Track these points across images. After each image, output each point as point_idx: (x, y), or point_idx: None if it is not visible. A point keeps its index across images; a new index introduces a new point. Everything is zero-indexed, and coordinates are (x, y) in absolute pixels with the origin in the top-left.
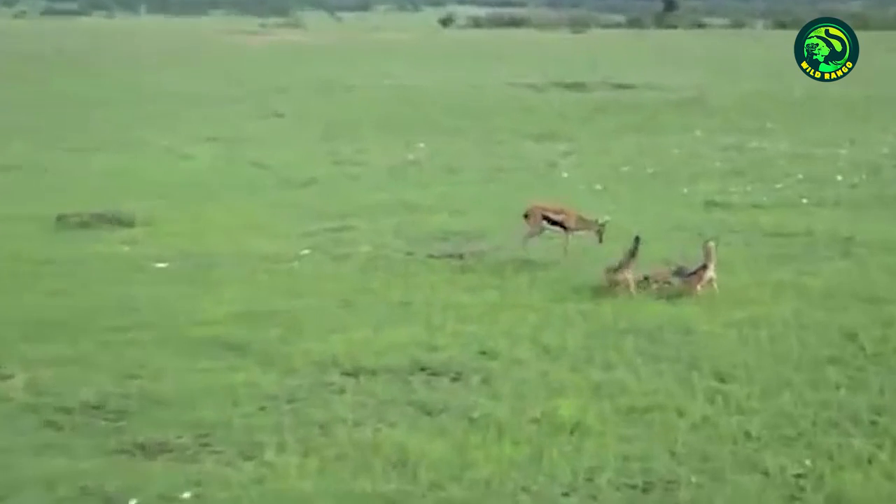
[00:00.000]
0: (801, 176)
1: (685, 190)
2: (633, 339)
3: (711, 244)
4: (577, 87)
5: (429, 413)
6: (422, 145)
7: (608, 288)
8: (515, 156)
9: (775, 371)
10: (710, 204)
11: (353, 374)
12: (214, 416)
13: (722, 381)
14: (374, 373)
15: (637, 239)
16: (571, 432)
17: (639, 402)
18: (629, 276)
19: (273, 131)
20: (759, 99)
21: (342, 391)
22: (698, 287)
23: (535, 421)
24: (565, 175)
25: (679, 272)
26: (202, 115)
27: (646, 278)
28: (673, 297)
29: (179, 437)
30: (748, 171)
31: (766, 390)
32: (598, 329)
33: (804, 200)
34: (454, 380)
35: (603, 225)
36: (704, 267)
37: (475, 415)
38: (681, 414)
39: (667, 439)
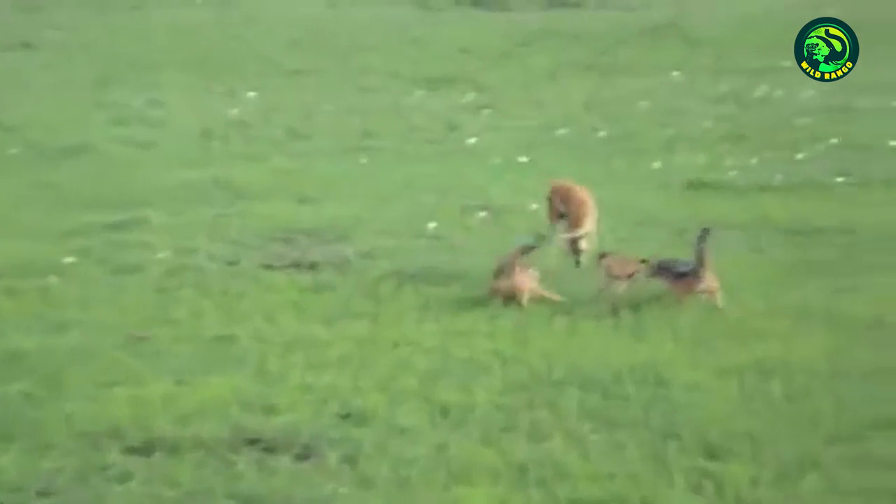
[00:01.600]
0: (835, 141)
1: (657, 163)
2: (578, 395)
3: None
4: (490, 4)
5: None
6: (251, 95)
7: (500, 302)
8: (394, 112)
9: (796, 443)
10: (695, 185)
11: (144, 450)
12: None
13: (714, 457)
14: (175, 449)
15: (536, 239)
16: None
17: (586, 491)
18: (525, 282)
19: (17, 71)
20: (768, 23)
21: (126, 478)
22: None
23: None
24: (472, 141)
25: (664, 268)
26: None
27: (602, 257)
28: (631, 317)
29: None
30: (753, 135)
31: (783, 472)
32: (523, 379)
33: (839, 179)
34: (301, 458)
35: (579, 239)
36: (701, 269)
37: None
38: None
39: None
